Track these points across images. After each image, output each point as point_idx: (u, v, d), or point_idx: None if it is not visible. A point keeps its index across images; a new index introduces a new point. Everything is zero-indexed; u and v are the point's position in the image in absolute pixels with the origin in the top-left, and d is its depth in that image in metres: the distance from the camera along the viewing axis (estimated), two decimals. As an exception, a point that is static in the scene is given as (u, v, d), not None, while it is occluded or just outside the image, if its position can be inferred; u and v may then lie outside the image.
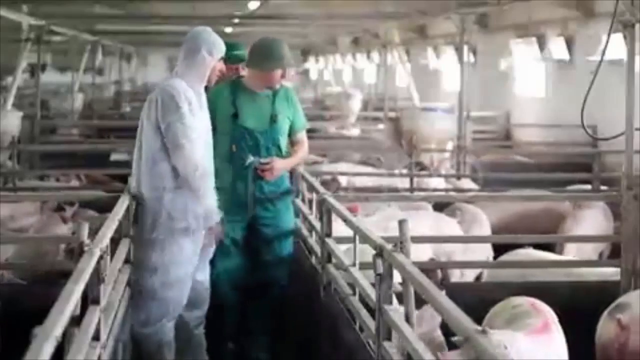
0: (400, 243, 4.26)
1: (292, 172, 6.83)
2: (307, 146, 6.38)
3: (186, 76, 5.37)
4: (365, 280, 4.72)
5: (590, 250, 7.49)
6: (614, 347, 4.61)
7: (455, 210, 7.93)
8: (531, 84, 14.96)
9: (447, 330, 4.01)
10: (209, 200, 5.34)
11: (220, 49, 5.44)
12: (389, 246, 4.18)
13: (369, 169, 11.30)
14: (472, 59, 15.73)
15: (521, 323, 4.57)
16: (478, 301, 5.00)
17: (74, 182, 10.03)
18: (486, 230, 7.74)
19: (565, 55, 13.13)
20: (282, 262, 6.22)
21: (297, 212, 7.31)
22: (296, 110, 6.21)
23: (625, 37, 5.41)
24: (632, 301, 4.73)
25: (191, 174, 5.26)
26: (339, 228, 5.69)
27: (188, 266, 5.40)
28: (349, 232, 5.27)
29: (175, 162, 5.28)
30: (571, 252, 7.33)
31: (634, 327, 4.59)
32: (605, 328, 4.71)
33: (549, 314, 4.73)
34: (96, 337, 4.04)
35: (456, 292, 4.58)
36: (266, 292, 6.21)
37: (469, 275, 7.00)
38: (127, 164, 9.94)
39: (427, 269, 5.46)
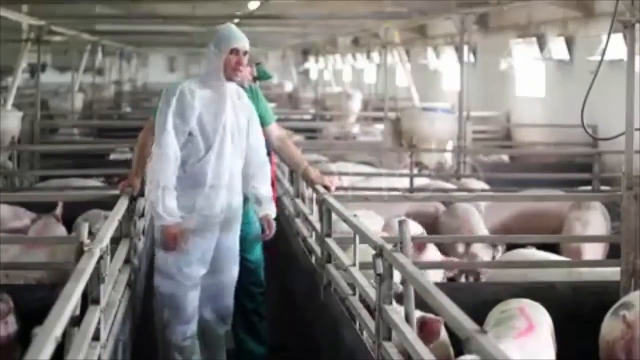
0: (400, 243, 4.27)
1: (292, 172, 6.81)
2: None
3: (203, 75, 5.42)
4: (365, 280, 4.72)
5: (601, 252, 7.46)
6: (619, 345, 4.63)
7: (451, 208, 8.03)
8: (531, 84, 14.94)
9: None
10: (159, 197, 5.14)
11: (227, 41, 5.30)
12: (389, 246, 4.18)
13: (369, 169, 11.29)
14: (472, 59, 15.70)
15: (506, 325, 4.70)
16: (478, 301, 5.01)
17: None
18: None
19: (565, 55, 13.10)
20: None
21: (298, 212, 7.32)
22: None
23: (625, 37, 5.41)
24: (636, 300, 4.75)
25: (152, 161, 5.27)
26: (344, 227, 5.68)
27: (197, 266, 5.35)
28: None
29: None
30: (588, 254, 7.32)
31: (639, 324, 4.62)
32: (610, 326, 4.73)
33: (535, 316, 4.82)
34: (96, 337, 4.04)
35: (456, 292, 4.59)
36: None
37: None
38: (126, 164, 9.97)
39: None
